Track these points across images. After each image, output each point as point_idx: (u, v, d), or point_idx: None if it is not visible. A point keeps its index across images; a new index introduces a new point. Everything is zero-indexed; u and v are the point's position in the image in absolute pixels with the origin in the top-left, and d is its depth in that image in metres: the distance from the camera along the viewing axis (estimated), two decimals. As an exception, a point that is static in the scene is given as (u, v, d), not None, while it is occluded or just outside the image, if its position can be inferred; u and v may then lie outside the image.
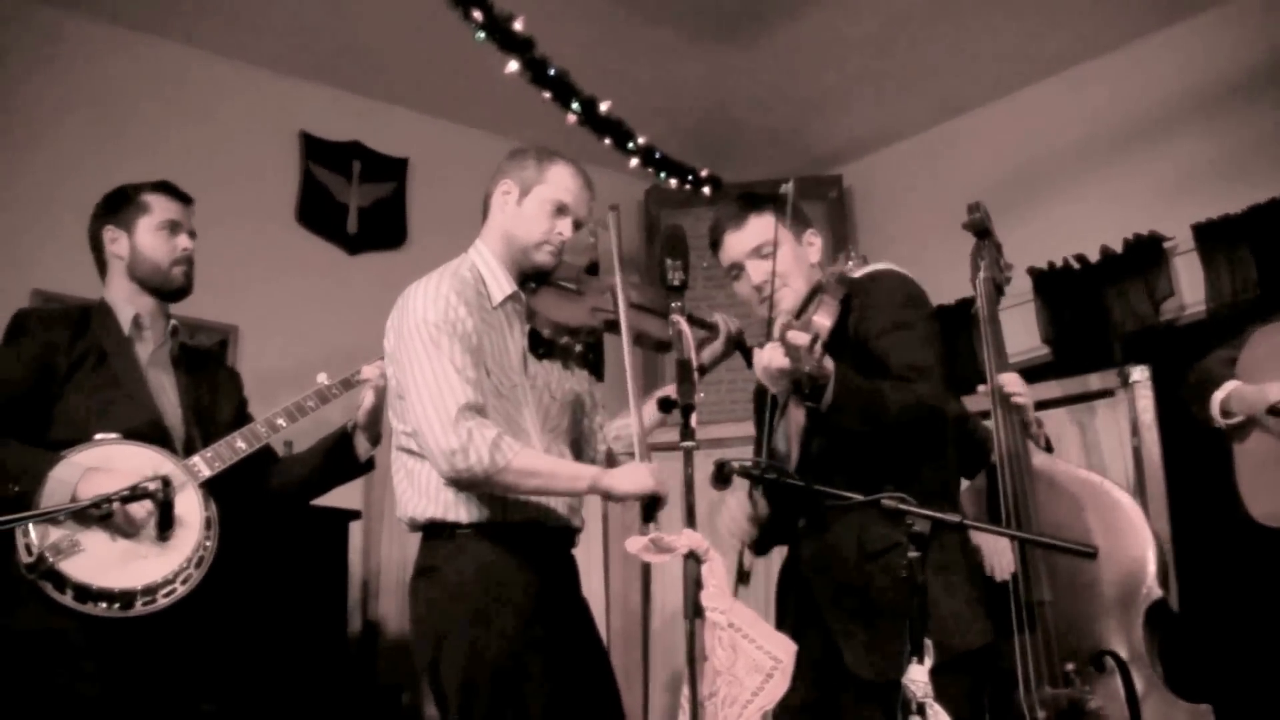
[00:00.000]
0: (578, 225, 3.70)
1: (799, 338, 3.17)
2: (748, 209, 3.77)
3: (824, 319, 3.40)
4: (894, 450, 3.50)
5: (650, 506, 3.29)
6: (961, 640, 3.33)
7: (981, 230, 4.45)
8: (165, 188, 4.16)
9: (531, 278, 3.67)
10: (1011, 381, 4.16)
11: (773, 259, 3.60)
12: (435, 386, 3.33)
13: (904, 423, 3.41)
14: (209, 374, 4.23)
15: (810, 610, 3.56)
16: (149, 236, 4.06)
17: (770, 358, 3.29)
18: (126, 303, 4.04)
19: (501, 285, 3.62)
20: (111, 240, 4.07)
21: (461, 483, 3.34)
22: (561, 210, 3.65)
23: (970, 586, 3.52)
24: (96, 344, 3.91)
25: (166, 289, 4.09)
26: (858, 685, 3.40)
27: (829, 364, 3.26)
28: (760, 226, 3.72)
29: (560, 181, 3.66)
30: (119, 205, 4.10)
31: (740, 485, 3.41)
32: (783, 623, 3.65)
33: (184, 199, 4.18)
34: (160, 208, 4.09)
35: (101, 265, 4.12)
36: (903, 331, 3.55)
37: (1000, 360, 4.26)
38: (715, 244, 3.81)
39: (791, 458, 3.64)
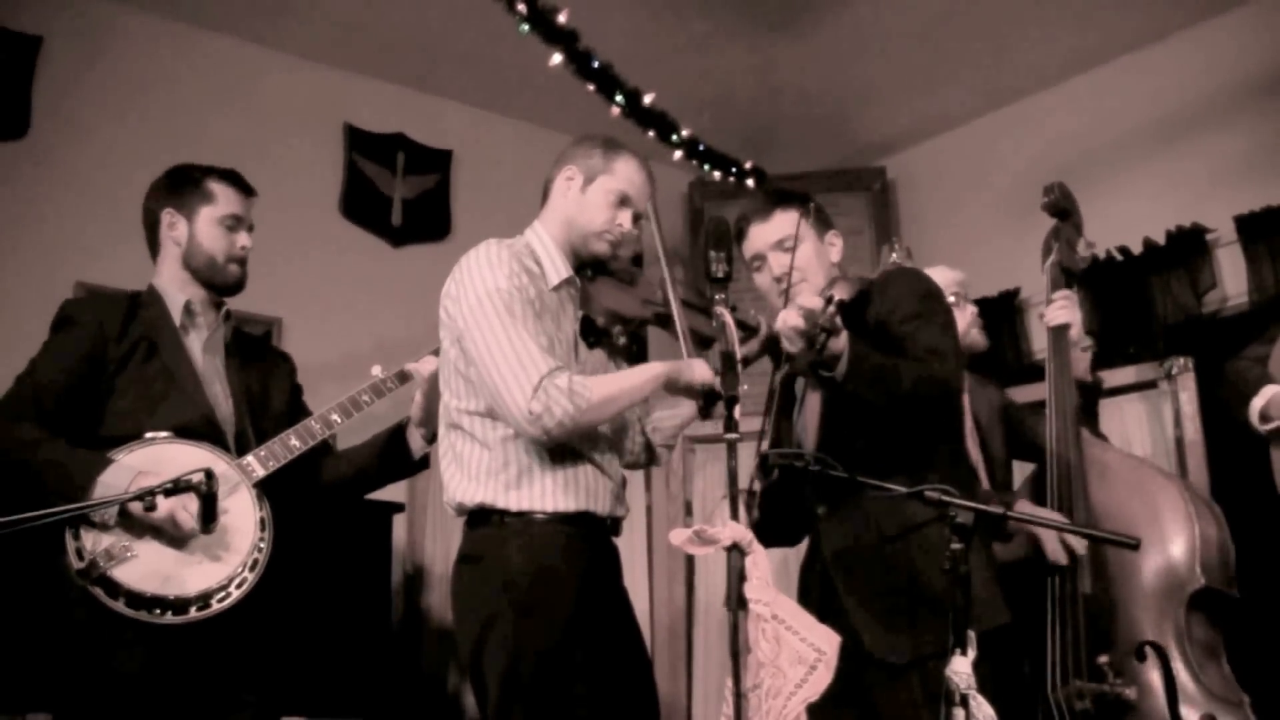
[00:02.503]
0: (637, 219, 3.70)
1: (814, 300, 3.25)
2: (774, 203, 3.83)
3: (840, 291, 3.46)
4: (910, 435, 3.54)
5: (710, 400, 3.39)
6: (979, 623, 3.35)
7: (1059, 211, 4.45)
8: (232, 177, 4.07)
9: (587, 265, 3.68)
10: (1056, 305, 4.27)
11: (792, 253, 3.65)
12: (515, 355, 3.30)
13: (919, 397, 3.44)
14: (261, 362, 4.16)
15: (832, 597, 3.58)
16: (210, 228, 3.97)
17: (787, 317, 3.35)
18: (178, 290, 3.96)
19: (559, 268, 3.61)
20: (170, 224, 3.97)
21: (554, 439, 3.32)
22: (624, 202, 3.65)
23: (985, 569, 3.54)
24: (147, 335, 3.83)
25: (219, 284, 4.00)
26: (880, 668, 3.44)
27: (843, 334, 3.31)
28: (784, 221, 3.76)
29: (626, 173, 3.66)
30: (182, 187, 4.01)
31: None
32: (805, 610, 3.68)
33: (248, 191, 4.10)
34: (225, 199, 4.01)
35: (154, 246, 4.03)
36: (922, 320, 3.61)
37: (1061, 356, 4.26)
38: (739, 234, 3.86)
39: (807, 448, 3.67)
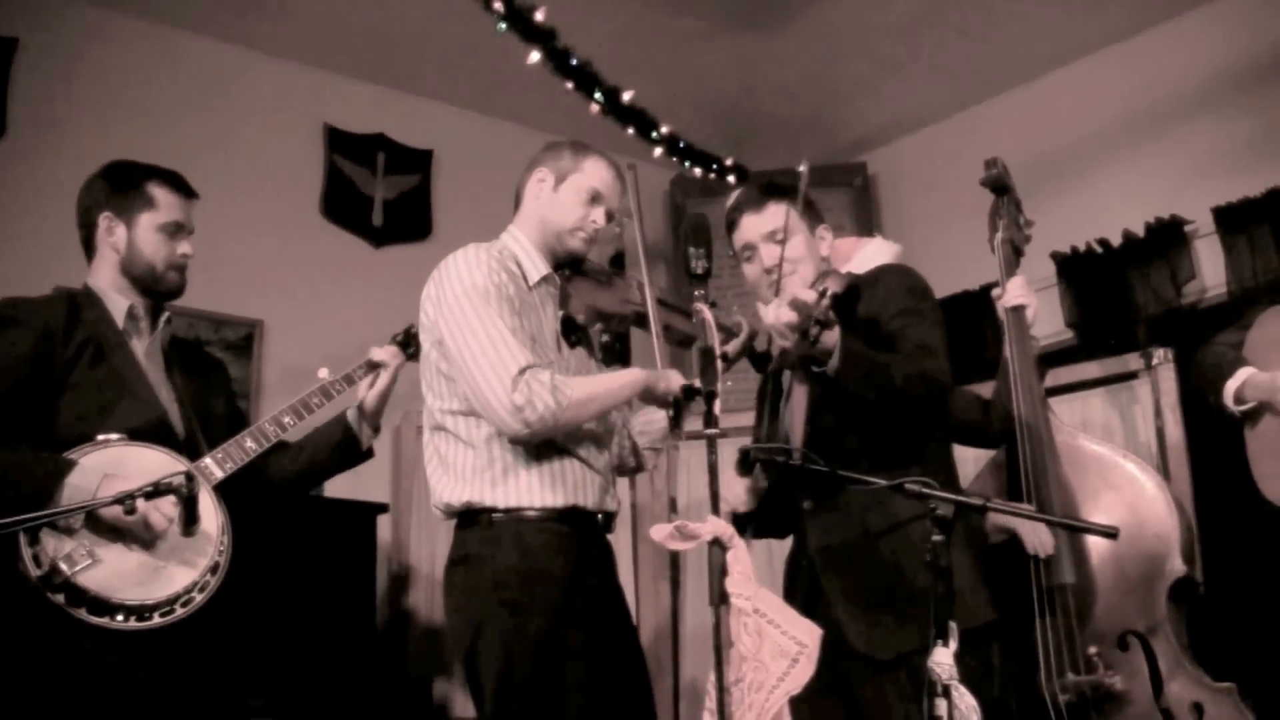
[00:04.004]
0: (609, 216, 3.75)
1: (806, 294, 3.27)
2: (767, 195, 3.85)
3: (833, 284, 3.48)
4: (898, 431, 3.57)
5: (680, 409, 3.43)
6: (966, 618, 3.36)
7: (999, 186, 4.43)
8: (173, 180, 3.98)
9: (565, 264, 3.72)
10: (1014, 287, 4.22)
11: (782, 246, 3.70)
12: (493, 349, 3.34)
13: (910, 394, 3.46)
14: (199, 367, 4.11)
15: (817, 591, 3.60)
16: (150, 235, 3.89)
17: (777, 313, 3.36)
18: (117, 293, 3.87)
19: (538, 266, 3.66)
20: (108, 229, 3.89)
21: (535, 435, 3.35)
22: (596, 199, 3.70)
23: (972, 563, 3.56)
24: (92, 337, 3.74)
25: (159, 291, 3.92)
26: (864, 663, 3.46)
27: (836, 328, 3.33)
28: (777, 212, 3.79)
29: (595, 171, 3.72)
30: (123, 189, 3.92)
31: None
32: (791, 606, 3.69)
33: (190, 194, 4.01)
34: (166, 205, 3.93)
35: (90, 247, 3.94)
36: (912, 317, 3.64)
37: (1021, 335, 4.24)
38: (731, 224, 3.89)
39: (795, 443, 3.68)
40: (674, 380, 3.43)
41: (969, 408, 4.37)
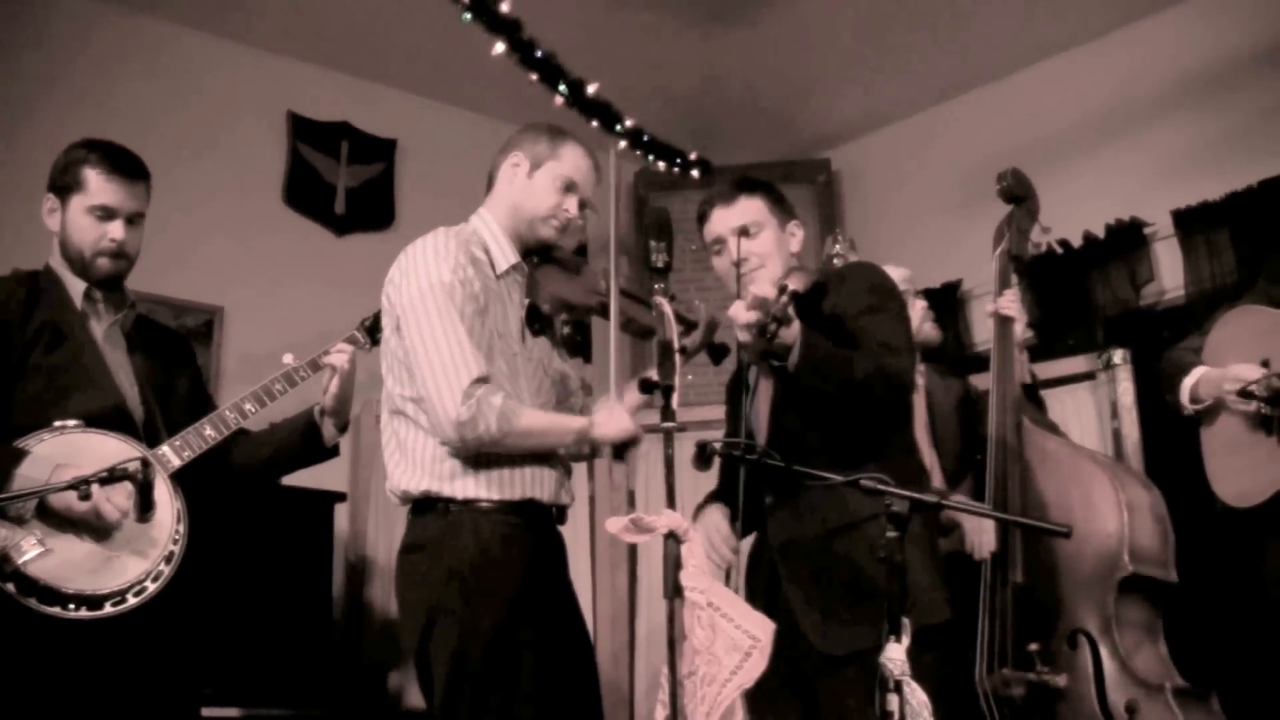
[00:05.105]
0: (583, 205, 3.73)
1: (765, 290, 3.31)
2: (739, 189, 3.86)
3: (795, 281, 3.52)
4: (861, 427, 3.58)
5: (624, 447, 3.41)
6: (925, 616, 3.38)
7: (1013, 197, 4.48)
8: (111, 159, 3.79)
9: (534, 252, 3.70)
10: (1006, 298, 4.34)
11: (746, 241, 3.72)
12: (449, 356, 3.32)
13: (871, 390, 3.47)
14: (163, 348, 4.00)
15: (777, 587, 3.62)
16: (79, 218, 3.75)
17: (738, 313, 3.39)
18: (72, 274, 3.79)
19: (506, 254, 3.62)
20: (49, 210, 3.80)
21: (468, 450, 3.34)
22: (570, 188, 3.67)
23: (931, 561, 3.58)
24: (51, 319, 3.67)
25: (89, 277, 3.78)
26: (821, 658, 3.46)
27: (796, 324, 3.36)
28: (748, 206, 3.81)
29: (572, 160, 3.69)
30: (64, 170, 3.79)
31: (717, 511, 3.48)
32: (753, 600, 3.70)
33: (132, 175, 3.82)
34: (97, 188, 3.75)
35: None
36: (876, 314, 3.64)
37: (1005, 346, 4.30)
38: (702, 217, 3.89)
39: (760, 439, 3.69)
40: (611, 428, 3.41)
41: None
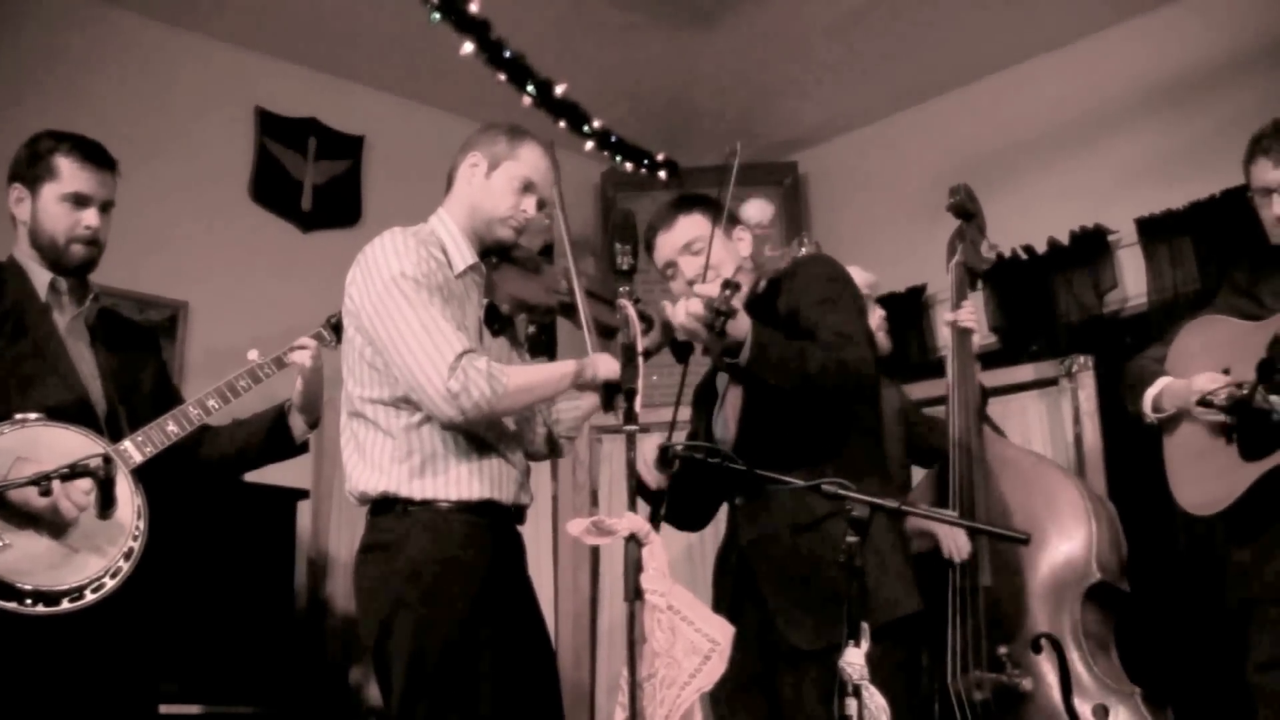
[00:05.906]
0: (541, 205, 3.71)
1: (707, 288, 3.33)
2: (676, 210, 3.87)
3: (740, 278, 3.49)
4: (825, 427, 3.61)
5: (611, 393, 3.40)
6: (891, 610, 3.41)
7: (964, 212, 4.52)
8: (83, 148, 3.83)
9: (492, 252, 3.69)
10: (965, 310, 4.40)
11: (707, 253, 3.69)
12: (426, 335, 3.29)
13: (827, 382, 3.48)
14: (127, 341, 4.00)
15: (748, 586, 3.65)
16: (52, 206, 3.76)
17: (675, 310, 3.42)
18: (38, 265, 3.80)
19: (464, 254, 3.61)
20: (16, 200, 3.79)
21: (470, 422, 3.33)
22: (528, 188, 3.66)
23: (899, 558, 3.60)
24: (13, 310, 3.68)
25: (63, 265, 3.79)
26: (793, 655, 3.49)
27: (745, 319, 3.37)
28: (688, 224, 3.82)
29: (530, 160, 3.67)
30: (32, 160, 3.79)
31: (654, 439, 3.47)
32: (720, 600, 3.74)
33: (102, 163, 3.85)
34: (69, 175, 3.77)
35: (12, 218, 3.84)
36: (830, 304, 3.66)
37: (964, 354, 4.33)
38: (649, 247, 3.88)
39: (728, 441, 3.72)
40: (603, 367, 3.42)
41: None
